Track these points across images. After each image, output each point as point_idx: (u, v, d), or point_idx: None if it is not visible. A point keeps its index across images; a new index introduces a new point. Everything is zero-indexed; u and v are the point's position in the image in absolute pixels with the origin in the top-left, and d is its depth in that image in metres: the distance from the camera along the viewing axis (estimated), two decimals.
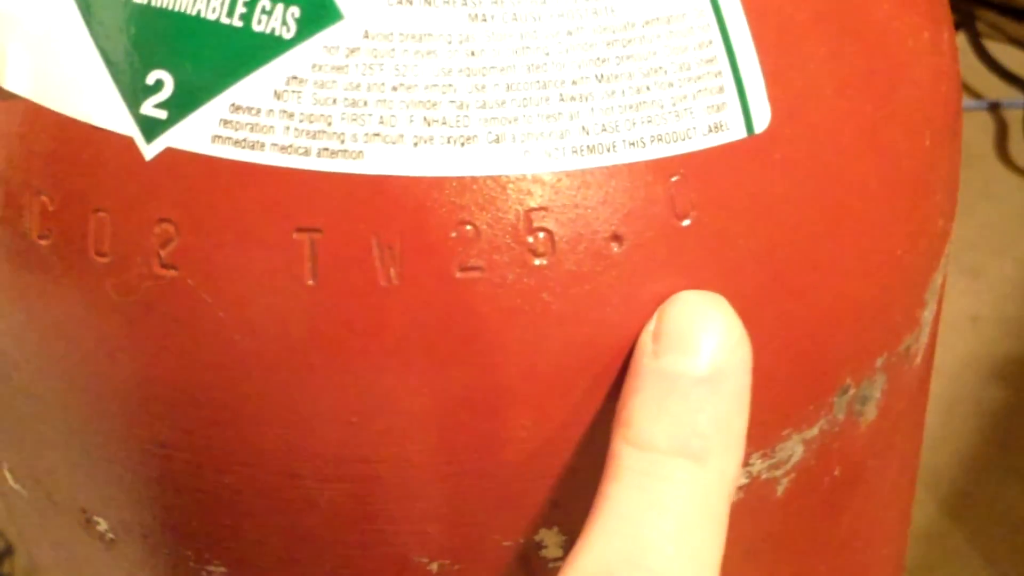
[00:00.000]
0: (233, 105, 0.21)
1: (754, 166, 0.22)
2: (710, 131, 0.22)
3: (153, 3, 0.21)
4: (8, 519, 0.30)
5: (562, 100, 0.21)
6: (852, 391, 0.25)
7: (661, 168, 0.21)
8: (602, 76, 0.21)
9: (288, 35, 0.21)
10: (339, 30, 0.21)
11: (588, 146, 0.21)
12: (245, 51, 0.21)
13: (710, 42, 0.22)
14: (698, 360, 0.21)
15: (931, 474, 0.68)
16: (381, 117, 0.21)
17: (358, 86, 0.21)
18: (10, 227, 0.22)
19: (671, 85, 0.21)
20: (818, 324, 0.24)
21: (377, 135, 0.21)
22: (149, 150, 0.21)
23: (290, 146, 0.21)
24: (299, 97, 0.21)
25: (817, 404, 0.25)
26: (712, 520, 0.21)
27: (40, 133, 0.22)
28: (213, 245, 0.21)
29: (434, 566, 0.23)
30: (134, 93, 0.21)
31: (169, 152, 0.21)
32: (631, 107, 0.21)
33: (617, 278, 0.21)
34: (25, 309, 0.23)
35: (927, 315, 0.27)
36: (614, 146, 0.21)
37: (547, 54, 0.21)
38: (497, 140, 0.21)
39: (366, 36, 0.21)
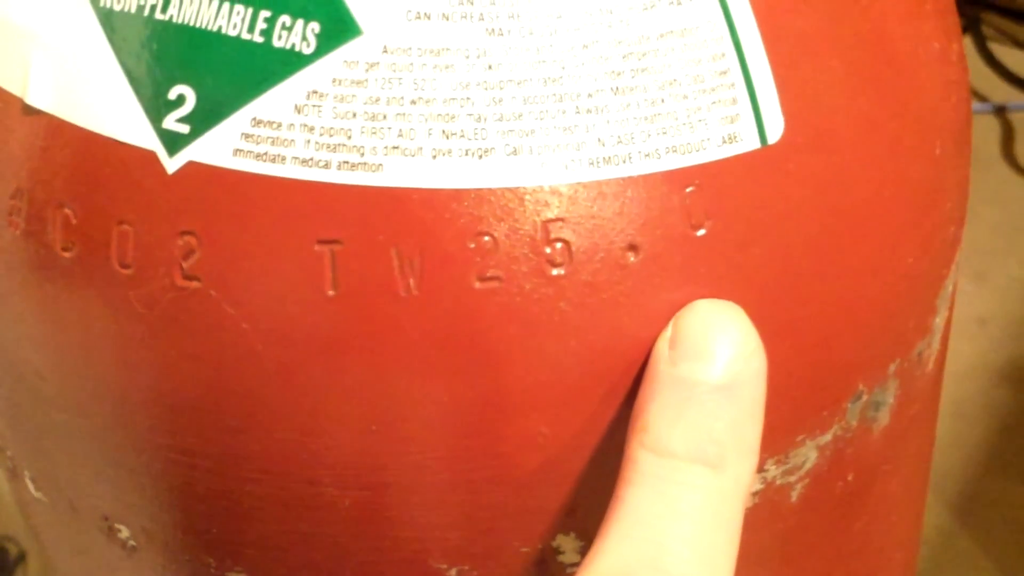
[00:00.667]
0: (254, 119, 0.21)
1: (767, 176, 0.22)
2: (724, 142, 0.22)
3: (175, 19, 0.21)
4: (28, 527, 0.30)
5: (578, 112, 0.21)
6: (865, 397, 0.25)
7: (676, 179, 0.22)
8: (617, 89, 0.21)
9: (308, 50, 0.21)
10: (359, 45, 0.21)
11: (604, 157, 0.21)
12: (266, 66, 0.21)
13: (723, 54, 0.22)
14: (714, 368, 0.21)
15: (939, 476, 0.68)
16: (400, 130, 0.21)
17: (377, 100, 0.21)
18: (34, 240, 0.23)
19: (685, 97, 0.22)
20: (831, 331, 0.24)
21: (396, 148, 0.21)
22: (171, 164, 0.21)
23: (310, 159, 0.21)
24: (319, 111, 0.21)
25: (831, 410, 0.25)
26: (727, 526, 0.21)
27: (63, 147, 0.22)
28: (235, 257, 0.21)
29: (453, 572, 0.24)
30: (156, 108, 0.21)
31: (191, 165, 0.21)
32: (646, 119, 0.21)
33: (633, 287, 0.22)
34: (49, 320, 0.23)
35: (938, 321, 0.27)
36: (630, 157, 0.21)
37: (563, 67, 0.21)
38: (514, 152, 0.21)
39: (385, 51, 0.21)
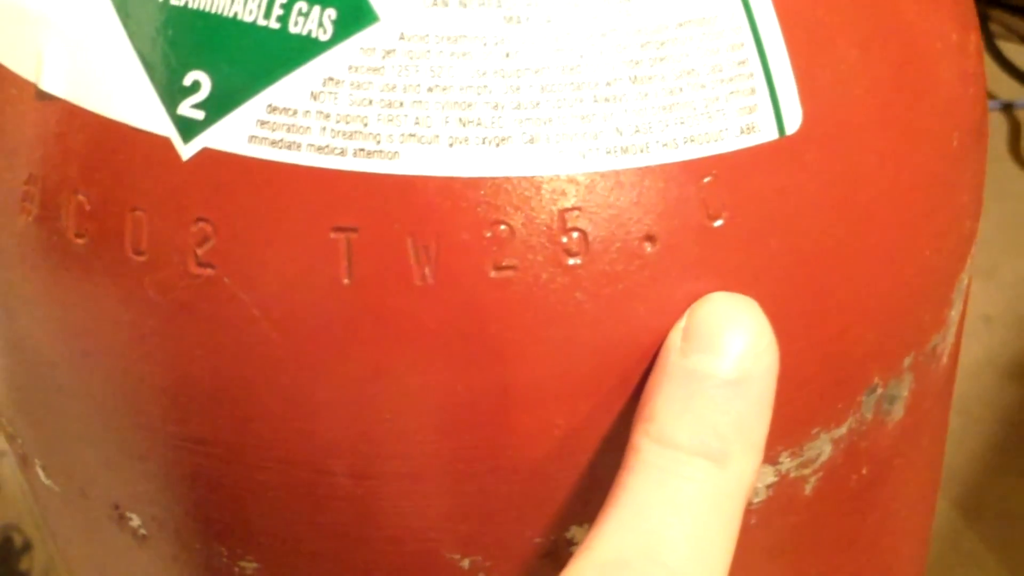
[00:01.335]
0: (270, 106, 0.21)
1: (785, 167, 0.22)
2: (742, 132, 0.22)
3: (190, 5, 0.21)
4: (39, 516, 0.30)
5: (596, 101, 0.21)
6: (880, 390, 0.25)
7: (693, 169, 0.22)
8: (636, 77, 0.21)
9: (324, 37, 0.21)
10: (375, 32, 0.21)
11: (622, 147, 0.21)
12: (282, 53, 0.21)
13: (742, 44, 0.22)
14: (725, 362, 0.21)
15: (945, 474, 0.68)
16: (417, 118, 0.21)
17: (394, 87, 0.21)
18: (47, 226, 0.23)
19: (703, 87, 0.22)
20: (847, 323, 0.24)
21: (412, 136, 0.21)
22: (186, 150, 0.21)
23: (326, 146, 0.21)
24: (335, 98, 0.21)
25: (846, 403, 0.25)
26: (727, 522, 0.21)
27: (77, 133, 0.22)
28: (249, 244, 0.21)
29: (465, 563, 0.24)
30: (171, 94, 0.21)
31: (206, 152, 0.21)
32: (664, 108, 0.21)
33: (650, 278, 0.22)
34: (61, 307, 0.23)
35: (953, 315, 0.27)
36: (647, 147, 0.21)
37: (581, 55, 0.21)
38: (532, 141, 0.21)
39: (402, 38, 0.21)
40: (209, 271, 0.21)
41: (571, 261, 0.21)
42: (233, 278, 0.21)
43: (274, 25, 0.21)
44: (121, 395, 0.23)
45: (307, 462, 0.22)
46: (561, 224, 0.21)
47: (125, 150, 0.22)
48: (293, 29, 0.21)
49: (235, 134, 0.21)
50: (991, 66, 0.93)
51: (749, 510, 0.24)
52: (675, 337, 0.22)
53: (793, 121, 0.22)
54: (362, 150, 0.21)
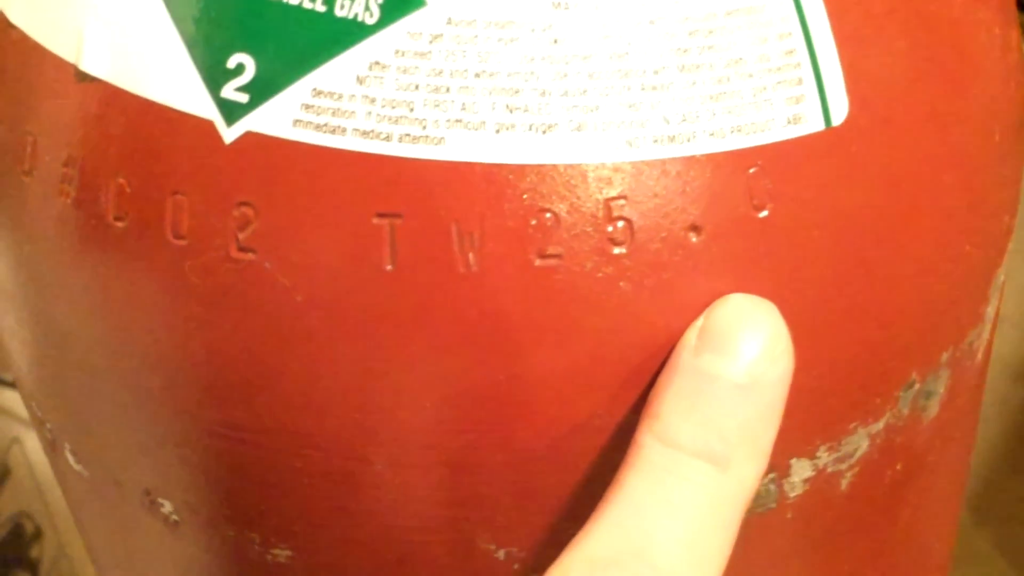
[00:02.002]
0: (315, 90, 0.21)
1: (830, 158, 0.22)
2: (788, 123, 0.22)
3: None
4: (65, 502, 0.30)
5: (643, 89, 0.21)
6: (918, 386, 0.25)
7: (740, 159, 0.21)
8: (683, 66, 0.21)
9: (371, 20, 0.21)
10: (422, 16, 0.21)
11: (669, 136, 0.21)
12: (328, 36, 0.21)
13: (790, 33, 0.22)
14: (737, 365, 0.21)
15: None
16: (463, 103, 0.21)
17: (440, 72, 0.21)
18: (85, 209, 0.22)
19: (751, 76, 0.21)
20: (888, 317, 0.24)
21: (459, 121, 0.21)
22: (229, 133, 0.21)
23: (371, 131, 0.21)
24: (381, 82, 0.21)
25: (884, 398, 0.25)
26: (723, 527, 0.21)
27: (118, 115, 0.22)
28: (292, 229, 0.21)
29: (501, 553, 0.23)
30: (215, 76, 0.21)
31: (249, 136, 0.21)
32: (711, 97, 0.21)
33: (694, 268, 0.21)
34: (98, 291, 0.23)
35: (989, 311, 0.27)
36: (694, 136, 0.21)
37: (629, 43, 0.21)
38: (579, 128, 0.21)
39: (449, 22, 0.20)
40: (250, 256, 0.21)
41: (616, 250, 0.21)
42: (274, 263, 0.21)
43: (320, 8, 0.21)
44: (157, 380, 0.23)
45: (345, 450, 0.22)
46: (607, 213, 0.21)
47: (167, 133, 0.21)
48: (340, 12, 0.21)
49: (279, 118, 0.21)
50: None
51: (785, 504, 0.24)
52: (691, 335, 0.21)
53: (839, 112, 0.22)
54: (408, 135, 0.21)
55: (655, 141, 0.21)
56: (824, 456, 0.24)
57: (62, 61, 0.23)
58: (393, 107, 0.21)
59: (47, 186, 0.23)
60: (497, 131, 0.21)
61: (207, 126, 0.21)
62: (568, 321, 0.21)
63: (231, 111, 0.21)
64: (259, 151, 0.21)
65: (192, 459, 0.24)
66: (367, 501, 0.23)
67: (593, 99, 0.21)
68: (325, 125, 0.21)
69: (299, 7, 0.21)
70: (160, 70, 0.22)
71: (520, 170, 0.21)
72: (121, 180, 0.22)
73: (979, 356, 0.28)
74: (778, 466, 0.24)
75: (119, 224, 0.22)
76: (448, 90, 0.21)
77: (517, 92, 0.21)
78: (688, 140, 0.21)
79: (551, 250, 0.21)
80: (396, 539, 0.23)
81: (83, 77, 0.22)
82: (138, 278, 0.22)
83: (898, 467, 0.26)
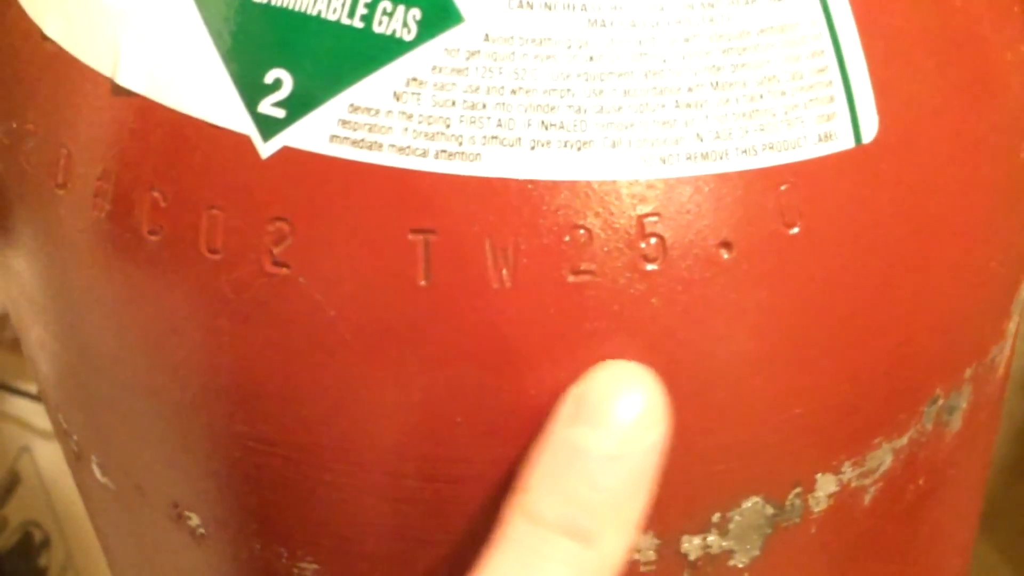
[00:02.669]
0: (352, 105, 0.21)
1: (860, 176, 0.22)
2: (820, 140, 0.22)
3: (272, 2, 0.21)
4: (91, 514, 0.30)
5: (678, 107, 0.21)
6: (941, 401, 0.25)
7: (771, 176, 0.21)
8: (717, 83, 0.21)
9: (409, 37, 0.21)
10: (460, 32, 0.21)
11: (702, 153, 0.21)
12: (365, 52, 0.21)
13: (822, 51, 0.22)
14: (609, 437, 0.21)
15: None
16: (499, 120, 0.21)
17: (477, 88, 0.21)
18: (119, 222, 0.22)
19: (784, 94, 0.21)
20: (913, 333, 0.24)
21: (495, 138, 0.21)
22: (266, 148, 0.21)
23: (408, 147, 0.21)
24: (418, 99, 0.21)
25: (908, 413, 0.25)
26: None
27: (154, 129, 0.22)
28: (327, 244, 0.21)
29: None
30: (252, 91, 0.21)
31: (286, 151, 0.21)
32: (744, 115, 0.21)
33: (725, 285, 0.21)
34: (130, 303, 0.23)
35: (1011, 327, 0.27)
36: (727, 153, 0.21)
37: (664, 60, 0.21)
38: (613, 145, 0.21)
39: (486, 39, 0.21)
40: (285, 271, 0.21)
41: (648, 267, 0.21)
42: (308, 278, 0.21)
43: (358, 24, 0.21)
44: (188, 393, 0.23)
45: (377, 464, 0.22)
46: (640, 229, 0.21)
47: (203, 147, 0.22)
48: (377, 28, 0.21)
49: (316, 133, 0.21)
50: None
51: (809, 519, 0.24)
52: (568, 405, 0.21)
53: (870, 130, 0.22)
54: (444, 151, 0.21)
55: (688, 158, 0.21)
56: (849, 471, 0.24)
57: (98, 75, 0.23)
58: (430, 123, 0.21)
59: (81, 199, 0.23)
60: (532, 148, 0.21)
61: (243, 141, 0.21)
62: (600, 338, 0.21)
63: (268, 126, 0.21)
64: (295, 166, 0.21)
65: (221, 472, 0.24)
66: (397, 516, 0.23)
67: (628, 116, 0.21)
68: (362, 141, 0.21)
69: (337, 23, 0.21)
70: (196, 84, 0.22)
71: (554, 186, 0.21)
72: (156, 194, 0.22)
73: (1000, 371, 0.28)
74: (804, 481, 0.24)
75: (153, 238, 0.22)
76: (484, 106, 0.21)
77: (553, 109, 0.21)
78: (721, 157, 0.21)
79: (584, 266, 0.21)
80: (424, 552, 0.23)
81: (119, 91, 0.22)
82: (171, 292, 0.22)
83: (920, 482, 0.26)
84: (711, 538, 0.23)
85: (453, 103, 0.21)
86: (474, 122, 0.21)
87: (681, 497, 0.23)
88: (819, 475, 0.24)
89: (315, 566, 0.24)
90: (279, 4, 0.21)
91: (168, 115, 0.22)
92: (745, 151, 0.21)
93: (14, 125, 0.24)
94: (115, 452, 0.26)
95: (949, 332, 0.25)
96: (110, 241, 0.23)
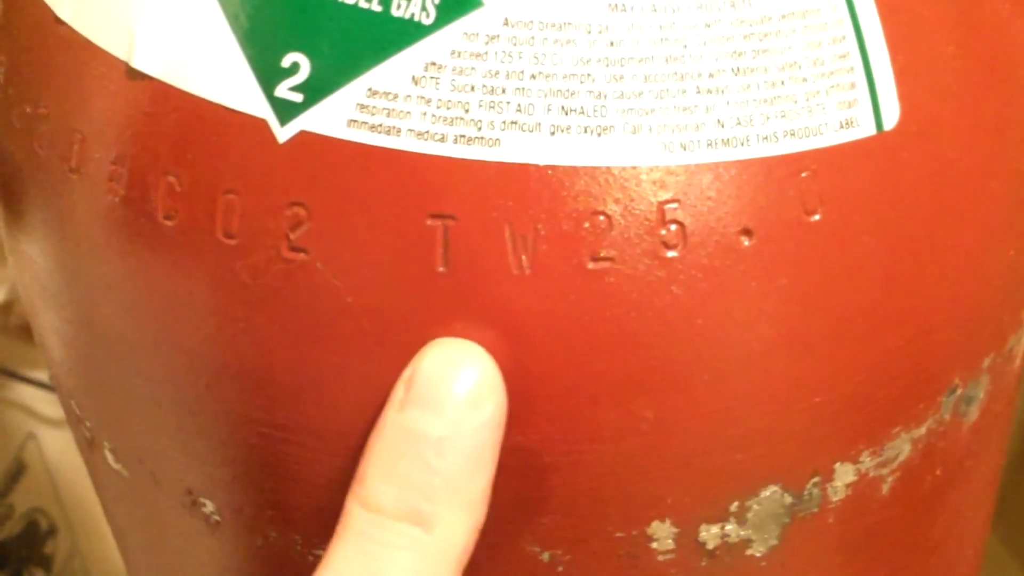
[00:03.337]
0: (370, 90, 0.21)
1: (881, 163, 0.22)
2: (841, 127, 0.22)
3: None
4: (103, 501, 0.30)
5: (699, 92, 0.21)
6: (960, 391, 0.25)
7: (792, 163, 0.21)
8: (738, 69, 0.21)
9: (428, 21, 0.21)
10: (479, 17, 0.20)
11: (723, 139, 0.21)
12: (384, 36, 0.21)
13: (843, 37, 0.22)
14: (441, 418, 0.20)
15: None
16: (519, 105, 0.20)
17: (496, 73, 0.20)
18: (134, 207, 0.22)
19: (805, 80, 0.21)
20: (933, 323, 0.24)
21: (514, 123, 0.20)
22: (283, 133, 0.21)
23: (426, 132, 0.21)
24: (437, 83, 0.21)
25: (927, 403, 0.24)
26: None
27: (170, 113, 0.22)
28: (344, 229, 0.21)
29: (545, 556, 0.23)
30: (269, 75, 0.21)
31: (303, 135, 0.21)
32: (766, 101, 0.21)
33: (746, 272, 0.21)
34: (145, 289, 0.23)
35: None
36: (748, 140, 0.21)
37: (685, 46, 0.21)
38: (634, 131, 0.21)
39: (506, 23, 0.20)
40: (302, 256, 0.21)
41: (668, 254, 0.21)
42: (326, 264, 0.21)
43: (376, 7, 0.21)
44: (203, 379, 0.23)
45: None
46: (660, 216, 0.21)
47: (219, 131, 0.21)
48: (396, 12, 0.21)
49: (334, 117, 0.21)
50: None
51: (827, 508, 0.24)
52: (399, 390, 0.21)
53: (891, 117, 0.22)
54: (463, 136, 0.21)
55: (709, 144, 0.21)
56: (867, 460, 0.24)
57: (113, 58, 0.22)
58: (448, 108, 0.21)
59: (95, 184, 0.23)
60: (552, 133, 0.20)
61: (260, 125, 0.21)
62: (619, 325, 0.21)
63: (285, 110, 0.21)
64: (312, 151, 0.21)
65: (237, 459, 0.24)
66: None
67: (648, 102, 0.21)
68: (380, 125, 0.21)
69: (355, 6, 0.21)
70: (213, 68, 0.21)
71: (574, 172, 0.21)
72: (171, 178, 0.22)
73: (1017, 361, 0.28)
74: (822, 470, 0.24)
75: (168, 223, 0.22)
76: (504, 91, 0.20)
77: (573, 94, 0.20)
78: (742, 144, 0.21)
79: (604, 253, 0.21)
80: None
81: (134, 74, 0.22)
82: (187, 277, 0.22)
83: (938, 472, 0.26)
84: (729, 527, 0.23)
85: (472, 88, 0.20)
86: (493, 107, 0.20)
87: (699, 486, 0.23)
88: (838, 464, 0.24)
89: None
90: None
91: (184, 99, 0.22)
92: (766, 138, 0.21)
93: (27, 109, 0.24)
94: (129, 439, 0.26)
95: (969, 321, 0.24)
96: (124, 226, 0.22)
